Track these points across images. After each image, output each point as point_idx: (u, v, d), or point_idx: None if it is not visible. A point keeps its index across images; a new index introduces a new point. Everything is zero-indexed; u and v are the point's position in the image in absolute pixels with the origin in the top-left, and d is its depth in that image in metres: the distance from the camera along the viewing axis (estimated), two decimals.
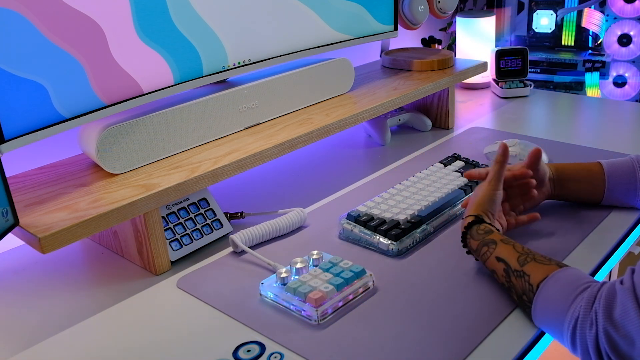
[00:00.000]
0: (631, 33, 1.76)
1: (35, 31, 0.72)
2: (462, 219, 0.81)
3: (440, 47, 1.85)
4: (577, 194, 0.90)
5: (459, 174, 1.00)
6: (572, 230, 0.86)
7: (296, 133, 0.96)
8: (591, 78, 1.84)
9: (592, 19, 1.79)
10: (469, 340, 0.65)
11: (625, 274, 0.60)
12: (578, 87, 1.87)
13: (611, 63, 1.81)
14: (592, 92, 1.84)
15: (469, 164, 1.05)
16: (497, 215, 0.80)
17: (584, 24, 1.83)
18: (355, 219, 0.87)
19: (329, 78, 1.13)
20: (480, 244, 0.74)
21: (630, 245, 0.88)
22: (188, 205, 0.88)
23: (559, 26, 1.89)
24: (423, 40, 1.81)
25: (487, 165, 1.03)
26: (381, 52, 1.45)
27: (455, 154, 1.09)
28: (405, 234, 0.84)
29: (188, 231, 0.87)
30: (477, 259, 0.77)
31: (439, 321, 0.69)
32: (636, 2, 1.73)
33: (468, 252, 0.79)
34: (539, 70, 1.92)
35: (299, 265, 0.75)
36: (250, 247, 0.85)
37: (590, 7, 1.81)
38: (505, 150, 0.81)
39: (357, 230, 0.86)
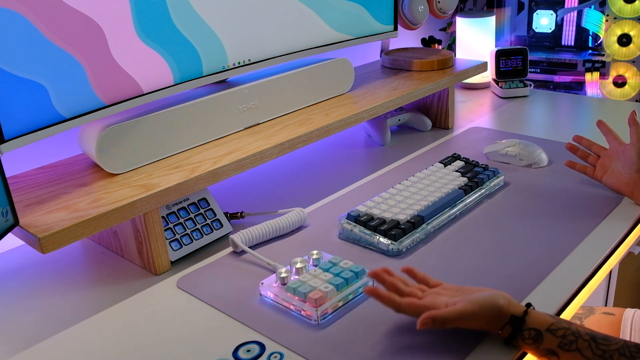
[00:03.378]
0: (631, 33, 1.76)
1: (35, 31, 0.72)
2: (498, 333, 0.64)
3: (440, 47, 1.85)
4: None
5: (459, 173, 1.00)
6: (573, 229, 0.86)
7: (296, 133, 0.96)
8: (591, 78, 1.84)
9: (592, 19, 1.79)
10: (468, 340, 0.65)
11: None
12: (578, 87, 1.87)
13: (611, 63, 1.81)
14: (591, 91, 1.84)
15: (469, 163, 1.05)
16: None
17: (583, 24, 1.83)
18: (355, 218, 0.87)
19: (329, 78, 1.13)
20: (538, 353, 0.62)
21: (630, 245, 0.88)
22: (188, 205, 0.88)
23: (559, 26, 1.89)
24: (423, 40, 1.81)
25: (487, 165, 1.03)
26: (381, 52, 1.45)
27: (455, 153, 1.09)
28: (405, 234, 0.84)
29: (188, 231, 0.87)
30: None
31: None
32: (636, 2, 1.72)
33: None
34: (539, 70, 1.91)
35: (298, 265, 0.75)
36: (250, 247, 0.85)
37: (590, 7, 1.81)
38: None
39: (357, 230, 0.86)
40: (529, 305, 0.64)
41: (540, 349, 0.61)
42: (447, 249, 0.84)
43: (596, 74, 1.84)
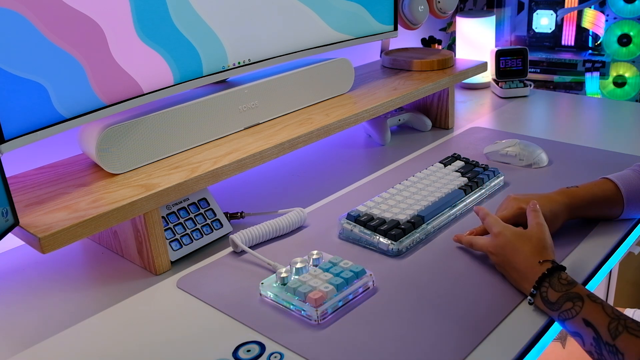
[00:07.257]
0: (631, 33, 1.76)
1: (35, 31, 0.72)
2: (540, 262, 0.70)
3: (440, 47, 1.85)
4: (595, 216, 0.87)
5: (459, 174, 1.00)
6: (572, 229, 0.86)
7: (296, 133, 0.96)
8: (591, 78, 1.84)
9: (595, 21, 1.79)
10: (468, 340, 0.65)
11: None
12: (578, 87, 1.87)
13: (611, 63, 1.81)
14: (592, 92, 1.85)
15: (469, 164, 1.05)
16: None
17: (585, 25, 1.83)
18: (355, 218, 0.87)
19: (329, 78, 1.13)
20: (562, 297, 0.65)
21: (630, 245, 0.88)
22: (188, 205, 0.88)
23: (559, 26, 1.89)
24: (423, 40, 1.81)
25: (487, 165, 1.03)
26: (381, 52, 1.45)
27: (455, 154, 1.09)
28: (405, 234, 0.84)
29: (188, 231, 0.87)
30: (549, 312, 0.67)
31: (439, 321, 0.69)
32: (636, 2, 1.73)
33: (531, 303, 0.70)
34: (539, 70, 1.92)
35: (299, 265, 0.75)
36: (250, 247, 0.85)
37: (590, 7, 1.81)
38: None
39: (357, 230, 0.86)
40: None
41: (570, 292, 0.65)
42: (447, 249, 0.84)
43: (596, 74, 1.84)
